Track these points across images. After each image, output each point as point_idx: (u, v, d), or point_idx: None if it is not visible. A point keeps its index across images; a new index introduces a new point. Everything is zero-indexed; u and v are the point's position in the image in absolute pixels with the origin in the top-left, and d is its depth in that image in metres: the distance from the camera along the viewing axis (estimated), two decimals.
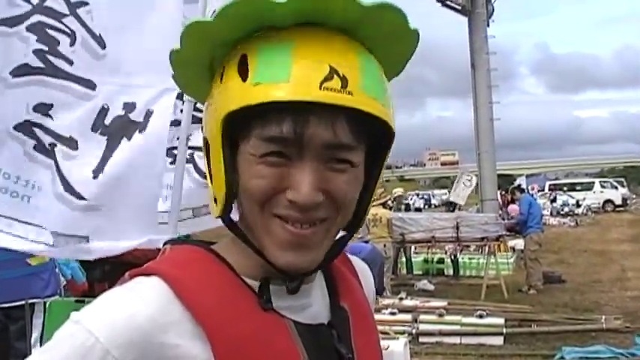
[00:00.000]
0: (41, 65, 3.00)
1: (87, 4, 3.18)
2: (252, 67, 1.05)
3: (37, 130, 2.98)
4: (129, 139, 3.16)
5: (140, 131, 3.19)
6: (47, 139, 3.00)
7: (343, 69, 1.03)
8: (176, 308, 1.04)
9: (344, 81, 1.03)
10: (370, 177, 1.17)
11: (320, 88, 1.01)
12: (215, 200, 1.14)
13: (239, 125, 1.06)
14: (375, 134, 1.12)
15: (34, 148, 2.98)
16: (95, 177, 3.06)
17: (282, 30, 1.06)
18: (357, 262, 1.44)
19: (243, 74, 1.05)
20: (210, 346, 1.03)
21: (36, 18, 3.03)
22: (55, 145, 3.00)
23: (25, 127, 2.97)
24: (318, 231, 1.09)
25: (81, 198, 3.02)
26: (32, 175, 2.98)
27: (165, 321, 1.02)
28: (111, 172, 3.09)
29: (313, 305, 1.20)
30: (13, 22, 2.99)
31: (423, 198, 64.46)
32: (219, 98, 1.09)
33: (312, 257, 1.10)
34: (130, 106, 3.19)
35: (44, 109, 2.99)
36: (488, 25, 26.38)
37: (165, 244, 1.24)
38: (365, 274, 1.44)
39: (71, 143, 3.03)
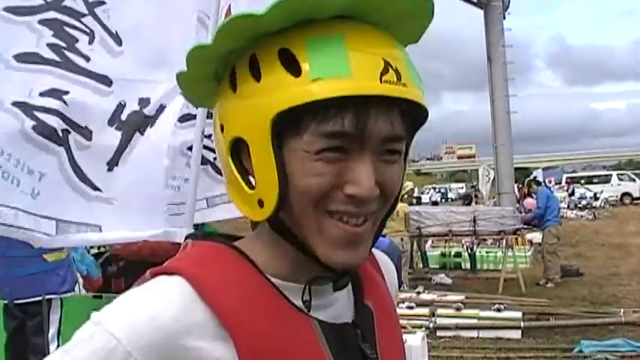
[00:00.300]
0: (56, 59, 3.00)
1: (104, 3, 3.21)
2: (304, 61, 1.01)
3: (40, 115, 2.91)
4: (142, 133, 3.16)
5: (151, 125, 3.19)
6: (60, 125, 2.96)
7: (394, 61, 1.03)
8: (199, 309, 1.01)
9: (397, 73, 1.02)
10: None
11: (380, 82, 1.00)
12: (260, 202, 1.07)
13: (287, 122, 1.02)
14: (413, 122, 1.12)
15: (34, 128, 2.88)
16: (110, 169, 3.05)
17: (321, 23, 1.04)
18: (380, 255, 1.42)
19: (293, 69, 1.01)
20: (234, 347, 1.01)
21: (52, 15, 3.04)
22: (69, 132, 2.97)
23: (25, 107, 2.90)
24: (368, 226, 1.08)
25: (96, 189, 3.02)
26: (26, 156, 2.87)
27: (188, 322, 1.00)
28: (125, 166, 3.08)
29: (337, 303, 1.18)
30: (21, 11, 3.00)
31: (439, 192, 64.42)
32: (261, 96, 1.03)
33: (364, 253, 1.10)
34: (145, 102, 3.20)
35: (57, 94, 2.96)
36: (504, 18, 26.29)
37: (186, 238, 1.21)
38: (388, 267, 1.43)
39: (86, 132, 3.01)
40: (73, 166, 2.96)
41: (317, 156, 1.01)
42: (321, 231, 1.05)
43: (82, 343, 0.99)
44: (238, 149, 1.09)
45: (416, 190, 25.68)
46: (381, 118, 1.02)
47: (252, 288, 1.08)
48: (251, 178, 1.09)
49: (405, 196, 16.30)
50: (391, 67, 1.02)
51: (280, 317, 1.07)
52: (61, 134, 2.95)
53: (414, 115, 1.09)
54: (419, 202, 35.76)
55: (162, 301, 1.01)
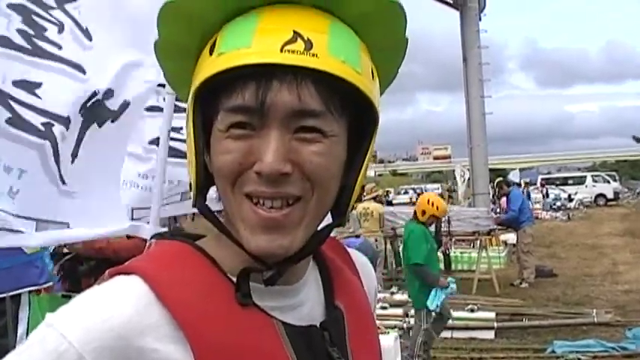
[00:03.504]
0: (26, 46, 2.91)
1: (75, 0, 3.14)
2: (219, 41, 1.04)
3: (15, 106, 2.80)
4: (99, 125, 3.09)
5: (112, 121, 3.14)
6: (38, 119, 2.85)
7: (308, 33, 1.01)
8: (155, 310, 0.98)
9: (308, 43, 0.99)
10: (357, 156, 1.11)
11: (281, 51, 0.98)
12: (191, 186, 1.10)
13: (209, 103, 1.04)
14: (355, 107, 1.07)
15: (8, 121, 2.76)
16: (72, 161, 2.99)
17: (255, 8, 1.04)
18: (357, 256, 1.39)
19: (212, 51, 1.04)
20: (191, 352, 0.97)
21: (20, 0, 2.95)
22: (52, 124, 2.88)
23: (0, 95, 2.79)
24: (292, 212, 1.03)
25: (63, 182, 2.95)
26: (3, 152, 2.77)
27: (143, 324, 0.97)
28: (83, 158, 3.02)
29: (305, 304, 1.14)
30: None
31: (415, 192, 64.78)
32: (194, 81, 1.07)
33: (288, 242, 1.03)
34: (108, 93, 3.14)
35: (30, 87, 2.86)
36: (480, 19, 26.37)
37: (151, 238, 1.19)
38: (365, 269, 1.39)
39: (67, 122, 2.94)
40: (57, 160, 2.89)
41: (226, 133, 1.01)
42: (241, 215, 1.03)
43: (35, 345, 0.97)
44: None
45: (392, 191, 25.72)
46: (284, 90, 0.99)
47: (212, 288, 1.05)
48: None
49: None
50: (302, 37, 0.99)
51: (240, 319, 1.04)
52: (43, 128, 2.85)
53: (346, 93, 1.04)
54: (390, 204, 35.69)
55: (116, 302, 0.98)
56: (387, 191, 21.21)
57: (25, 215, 2.81)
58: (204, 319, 1.00)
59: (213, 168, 1.05)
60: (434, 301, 8.33)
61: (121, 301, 0.98)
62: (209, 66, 1.03)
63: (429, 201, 8.96)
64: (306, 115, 1.01)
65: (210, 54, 1.04)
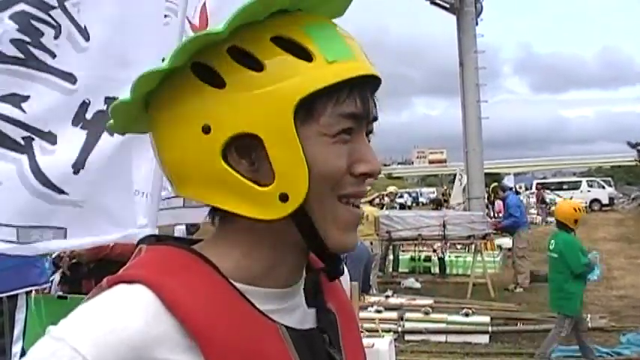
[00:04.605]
0: (20, 55, 2.90)
1: None
2: (312, 46, 1.03)
3: None
4: (111, 134, 3.08)
5: None
6: (19, 133, 2.87)
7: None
8: (164, 319, 0.97)
9: (367, 57, 1.10)
10: None
11: (370, 64, 1.09)
12: (283, 197, 1.03)
13: (298, 108, 1.02)
14: None
15: None
16: (76, 172, 2.97)
17: (295, 13, 1.08)
18: None
19: (302, 55, 1.02)
20: (202, 357, 0.97)
21: (21, 7, 2.94)
22: (33, 139, 2.89)
23: None
24: None
25: (62, 192, 2.94)
26: None
27: (155, 334, 0.96)
28: (92, 168, 3.01)
29: (300, 307, 1.16)
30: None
31: (411, 196, 64.75)
32: (271, 85, 1.00)
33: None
34: (111, 101, 3.13)
35: (16, 100, 2.88)
36: (477, 24, 26.33)
37: (139, 242, 1.15)
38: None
39: (50, 137, 2.94)
40: (35, 172, 2.88)
41: (334, 138, 1.04)
42: (335, 217, 1.08)
43: None
44: (226, 149, 1.04)
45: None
46: (372, 100, 1.10)
47: (218, 295, 1.04)
48: (254, 175, 1.04)
49: (387, 200, 16.29)
50: (362, 51, 1.10)
51: (248, 325, 1.04)
52: (23, 142, 2.86)
53: None
54: (402, 208, 35.87)
55: (126, 312, 0.97)
56: (394, 194, 21.04)
57: (2, 223, 2.82)
58: (214, 326, 1.00)
59: (315, 173, 1.03)
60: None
61: (129, 311, 0.97)
62: (321, 73, 1.02)
63: (575, 209, 9.04)
64: (374, 121, 1.13)
65: (307, 59, 1.02)
